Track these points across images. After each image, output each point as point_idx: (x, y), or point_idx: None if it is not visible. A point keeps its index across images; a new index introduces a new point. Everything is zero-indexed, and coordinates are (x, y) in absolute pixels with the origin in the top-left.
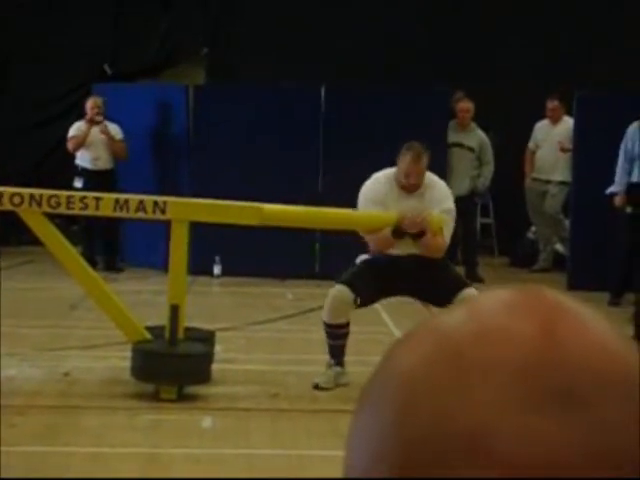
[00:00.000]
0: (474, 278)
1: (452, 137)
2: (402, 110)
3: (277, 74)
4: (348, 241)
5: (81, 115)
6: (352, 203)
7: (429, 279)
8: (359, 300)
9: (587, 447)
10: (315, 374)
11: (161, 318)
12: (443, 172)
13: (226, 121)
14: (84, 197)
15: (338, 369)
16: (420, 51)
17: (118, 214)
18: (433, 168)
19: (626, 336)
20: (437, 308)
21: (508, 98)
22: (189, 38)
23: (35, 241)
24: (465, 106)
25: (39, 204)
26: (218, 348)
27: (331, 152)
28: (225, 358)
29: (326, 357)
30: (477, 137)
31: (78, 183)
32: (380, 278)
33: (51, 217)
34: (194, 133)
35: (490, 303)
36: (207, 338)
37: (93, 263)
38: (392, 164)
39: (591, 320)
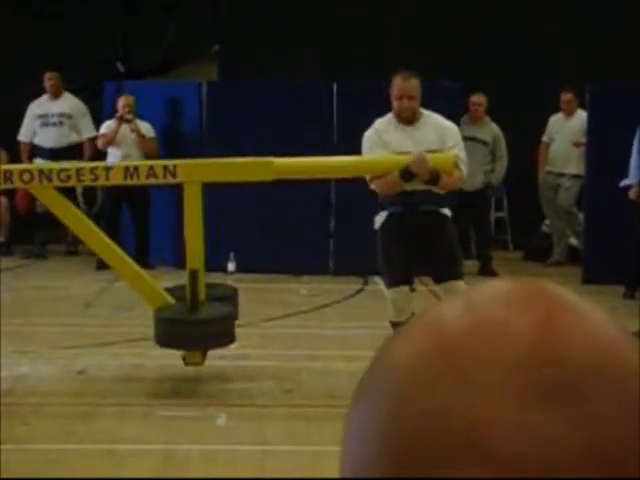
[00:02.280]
0: (488, 272)
1: (465, 131)
2: None
3: (289, 70)
4: (362, 237)
5: (94, 112)
6: (365, 199)
7: (432, 247)
8: (413, 285)
9: (586, 443)
10: (329, 370)
11: None
12: None
13: (239, 118)
14: (94, 168)
15: None
16: (432, 46)
17: (129, 182)
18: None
19: (627, 330)
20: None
21: (522, 92)
22: (201, 35)
23: (48, 240)
24: (477, 100)
25: (49, 179)
26: (235, 344)
27: (344, 149)
28: (240, 354)
29: (344, 352)
30: (490, 131)
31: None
32: (405, 246)
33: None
34: (207, 130)
35: (487, 296)
36: (229, 295)
37: (106, 265)
38: None
39: (591, 314)
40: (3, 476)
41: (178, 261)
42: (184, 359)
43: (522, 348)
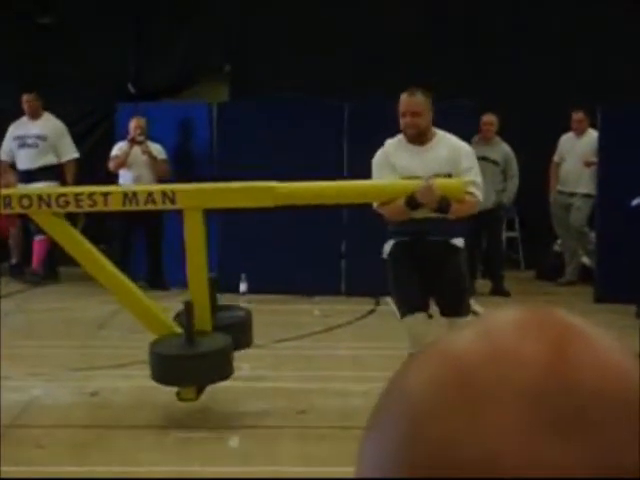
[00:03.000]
0: (500, 292)
1: (476, 151)
2: None
3: (300, 90)
4: (373, 258)
5: (106, 134)
6: (377, 220)
7: (441, 279)
8: (429, 310)
9: (598, 470)
10: (343, 391)
11: None
12: None
13: (249, 138)
14: (92, 193)
15: None
16: (445, 65)
17: (128, 208)
18: None
19: (636, 355)
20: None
21: (533, 111)
22: (211, 56)
23: (61, 261)
24: (489, 119)
25: (48, 204)
26: (246, 366)
27: (355, 170)
28: (252, 376)
29: (357, 373)
30: (502, 150)
31: None
32: (416, 272)
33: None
34: (218, 151)
35: (500, 324)
36: (241, 320)
37: None
38: None
39: (602, 341)
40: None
41: None
42: (178, 394)
43: (534, 376)
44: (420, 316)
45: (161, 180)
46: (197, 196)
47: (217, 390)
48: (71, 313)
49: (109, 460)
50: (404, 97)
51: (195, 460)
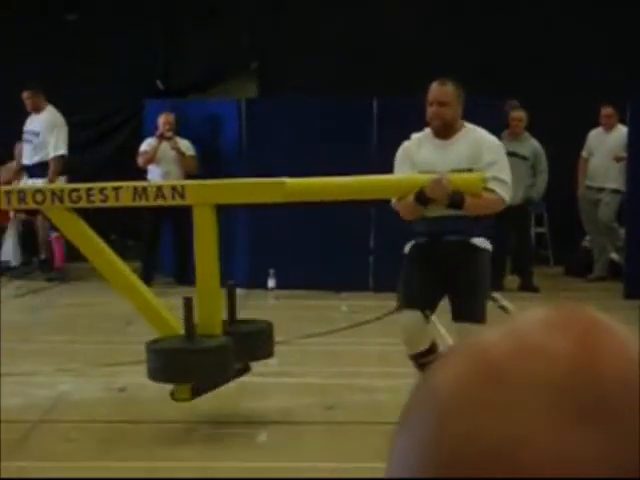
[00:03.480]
0: (529, 288)
1: (506, 147)
2: None
3: (329, 86)
4: (401, 254)
5: (134, 131)
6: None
7: (457, 280)
8: (428, 312)
9: (623, 462)
10: (370, 387)
11: None
12: None
13: (278, 135)
14: (103, 188)
15: None
16: (473, 61)
17: (138, 203)
18: None
19: None
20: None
21: (563, 106)
22: (239, 53)
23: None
24: (517, 115)
25: (61, 200)
26: (273, 361)
27: (385, 167)
28: (280, 371)
29: (384, 369)
30: (531, 146)
31: None
32: (428, 274)
33: (108, 231)
34: (246, 147)
35: (528, 321)
36: (258, 331)
37: (148, 281)
38: None
39: (627, 337)
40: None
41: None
42: (172, 394)
43: (561, 371)
44: (415, 315)
45: (189, 176)
46: (206, 191)
47: (244, 385)
48: (100, 309)
49: (137, 455)
50: (433, 86)
51: (222, 455)
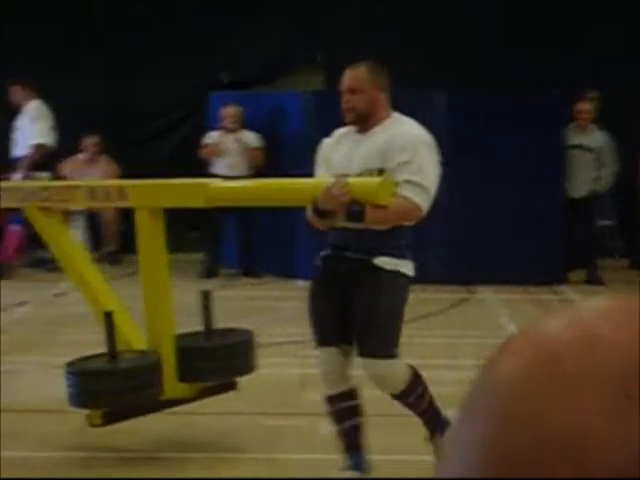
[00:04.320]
0: (595, 281)
1: (572, 139)
2: (516, 115)
3: (394, 79)
4: (466, 245)
5: (199, 124)
6: (474, 204)
7: (355, 307)
8: (343, 346)
9: None
10: (435, 379)
11: (281, 324)
12: (563, 176)
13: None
14: (65, 187)
15: (351, 474)
16: (541, 55)
17: (90, 204)
18: (547, 171)
19: None
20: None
21: (631, 98)
22: (304, 45)
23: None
24: (584, 107)
25: (35, 198)
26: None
27: (454, 159)
28: None
29: (449, 361)
30: (597, 138)
31: None
32: (335, 295)
33: (172, 223)
34: (312, 140)
35: (590, 311)
36: (234, 344)
37: (213, 273)
38: (506, 167)
39: None
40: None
41: (283, 271)
42: (89, 418)
43: (623, 361)
44: (330, 352)
45: (255, 168)
46: (141, 193)
47: (309, 377)
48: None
49: (202, 446)
50: (345, 72)
51: (287, 447)
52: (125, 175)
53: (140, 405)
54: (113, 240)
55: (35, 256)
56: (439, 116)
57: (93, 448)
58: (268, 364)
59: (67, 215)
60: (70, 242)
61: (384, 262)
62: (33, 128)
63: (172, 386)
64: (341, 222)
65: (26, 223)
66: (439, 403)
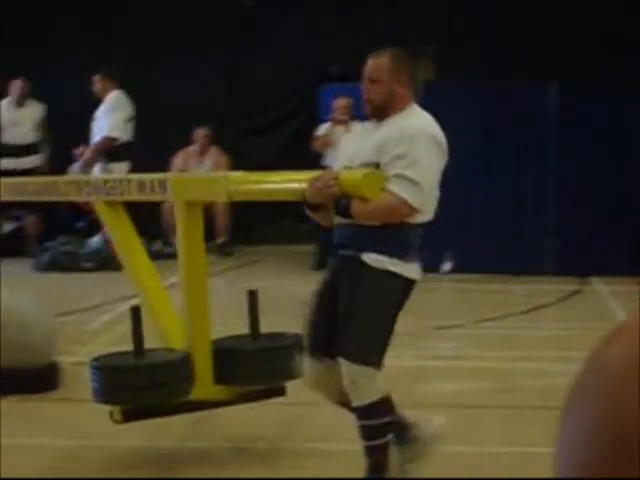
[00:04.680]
0: None
1: None
2: (625, 109)
3: (505, 70)
4: (579, 236)
5: (310, 116)
6: (585, 196)
7: (339, 305)
8: (326, 360)
9: None
10: (546, 371)
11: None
12: None
13: (456, 118)
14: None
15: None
16: None
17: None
18: None
19: None
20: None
21: None
22: (415, 34)
23: (262, 240)
24: None
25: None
26: (449, 345)
27: (566, 150)
28: (456, 355)
29: (560, 353)
30: None
31: None
32: (329, 299)
33: (280, 216)
34: None
35: None
36: (279, 348)
37: (324, 264)
38: (615, 161)
39: None
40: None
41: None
42: (111, 414)
43: None
44: (314, 364)
45: None
46: (178, 187)
47: (420, 369)
48: (277, 291)
49: (312, 437)
50: (368, 60)
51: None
52: (237, 167)
53: (163, 403)
54: (224, 231)
55: (149, 248)
56: (545, 105)
57: (207, 438)
58: None
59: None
60: (130, 236)
61: (372, 259)
62: (107, 120)
63: (205, 387)
64: (337, 219)
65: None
66: (549, 395)
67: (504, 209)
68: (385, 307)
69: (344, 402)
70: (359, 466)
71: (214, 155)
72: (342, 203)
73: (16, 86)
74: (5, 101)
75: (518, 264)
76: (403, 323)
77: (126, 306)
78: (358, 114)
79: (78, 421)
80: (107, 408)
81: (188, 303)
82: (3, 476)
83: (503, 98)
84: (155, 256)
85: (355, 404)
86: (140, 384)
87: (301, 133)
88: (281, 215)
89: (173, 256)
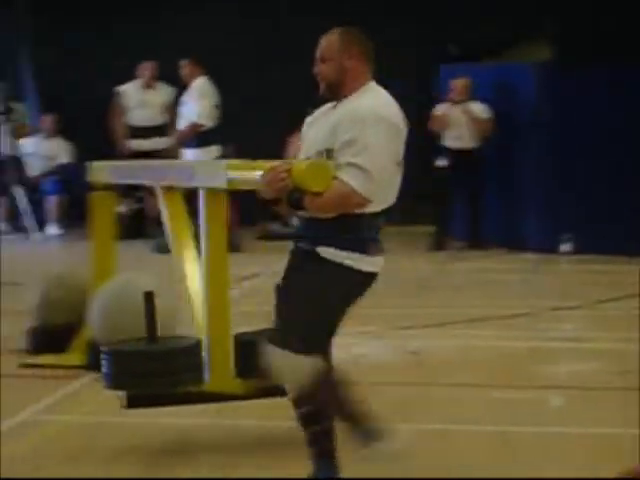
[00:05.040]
0: None
1: None
2: None
3: (622, 53)
4: None
5: (427, 95)
6: None
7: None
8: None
9: None
10: None
11: (509, 296)
12: None
13: (578, 101)
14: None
15: None
16: None
17: None
18: None
19: None
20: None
21: None
22: (533, 16)
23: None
24: None
25: None
26: (568, 326)
27: None
28: (573, 337)
29: None
30: None
31: (441, 162)
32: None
33: (402, 195)
34: (545, 113)
35: None
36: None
37: (442, 245)
38: None
39: None
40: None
41: (511, 243)
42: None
43: None
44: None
45: (483, 139)
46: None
47: (537, 350)
48: (394, 272)
49: (429, 418)
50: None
51: (515, 420)
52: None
53: (172, 391)
54: None
55: (266, 228)
56: None
57: None
58: (499, 337)
59: None
60: (182, 222)
61: (328, 253)
62: (196, 106)
63: (221, 380)
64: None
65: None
66: None
67: (620, 187)
68: (328, 297)
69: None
70: None
71: None
72: (294, 196)
73: (145, 68)
74: (134, 83)
75: (636, 244)
76: (518, 304)
77: (245, 287)
78: (476, 94)
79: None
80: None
81: (208, 293)
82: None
83: (617, 81)
84: (274, 237)
85: (289, 392)
86: (147, 370)
87: (419, 112)
88: (400, 195)
89: (292, 237)
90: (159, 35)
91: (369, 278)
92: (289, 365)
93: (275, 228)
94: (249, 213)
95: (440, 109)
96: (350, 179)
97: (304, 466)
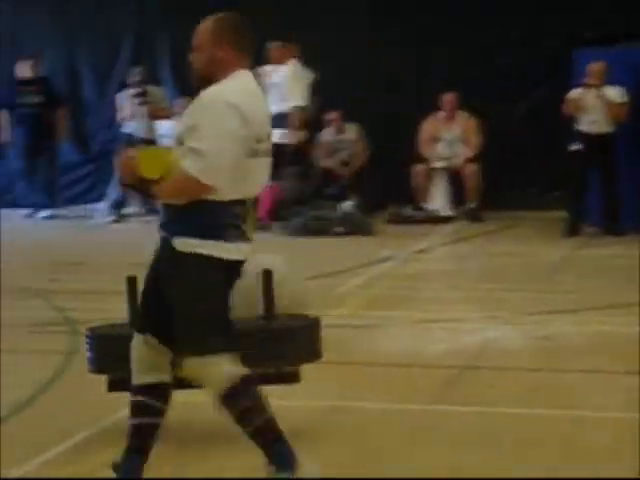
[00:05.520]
0: None
1: None
2: None
3: None
4: None
5: (563, 79)
6: None
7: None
8: (148, 337)
9: None
10: None
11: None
12: None
13: None
14: None
15: None
16: None
17: None
18: None
19: None
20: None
21: None
22: None
23: (510, 206)
24: None
25: None
26: None
27: None
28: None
29: None
30: None
31: (576, 146)
32: (150, 286)
33: (525, 185)
34: None
35: None
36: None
37: (575, 230)
38: None
39: None
40: None
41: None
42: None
43: None
44: (138, 338)
45: (617, 123)
46: None
47: (609, 338)
48: (526, 257)
49: (559, 403)
50: None
51: None
52: (487, 132)
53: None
54: (474, 196)
55: (397, 212)
56: None
57: (455, 402)
58: (629, 322)
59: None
60: None
61: (180, 242)
62: (294, 89)
63: None
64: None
65: None
66: None
67: None
68: (202, 292)
69: (159, 383)
70: None
71: (462, 119)
72: (142, 184)
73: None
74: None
75: None
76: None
77: (376, 271)
78: (612, 78)
79: (330, 384)
80: (356, 375)
81: None
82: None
83: None
84: (406, 221)
85: (218, 395)
86: (127, 354)
87: (554, 96)
88: (526, 185)
89: (423, 221)
90: None
91: (232, 265)
92: (211, 369)
93: (406, 211)
94: (382, 196)
95: (574, 93)
96: (189, 164)
97: None
